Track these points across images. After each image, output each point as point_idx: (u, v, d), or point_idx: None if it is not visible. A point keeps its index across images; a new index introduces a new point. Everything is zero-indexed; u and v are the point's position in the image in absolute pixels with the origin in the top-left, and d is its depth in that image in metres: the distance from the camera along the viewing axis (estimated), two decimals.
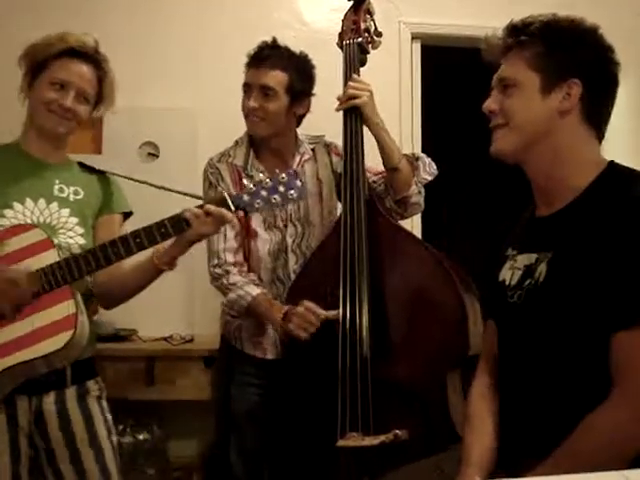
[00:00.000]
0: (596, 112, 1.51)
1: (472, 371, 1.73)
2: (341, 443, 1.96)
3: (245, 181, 2.25)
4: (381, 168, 2.32)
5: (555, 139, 1.49)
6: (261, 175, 1.83)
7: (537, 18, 1.52)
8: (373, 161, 2.35)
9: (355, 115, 2.22)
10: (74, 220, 1.95)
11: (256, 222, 2.34)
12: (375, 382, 2.02)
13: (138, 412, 2.23)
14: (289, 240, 2.35)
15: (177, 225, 1.78)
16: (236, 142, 2.43)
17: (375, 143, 2.26)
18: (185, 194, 2.21)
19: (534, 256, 1.50)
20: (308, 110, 2.41)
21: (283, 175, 1.77)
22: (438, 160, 2.40)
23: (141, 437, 2.98)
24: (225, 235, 2.28)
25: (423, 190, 2.35)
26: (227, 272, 2.28)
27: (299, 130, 2.46)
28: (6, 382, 1.77)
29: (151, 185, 2.04)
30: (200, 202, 1.84)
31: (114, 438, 1.98)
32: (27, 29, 3.13)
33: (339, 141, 2.32)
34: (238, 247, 2.31)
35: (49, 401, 1.88)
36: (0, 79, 2.36)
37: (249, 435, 2.35)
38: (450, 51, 3.74)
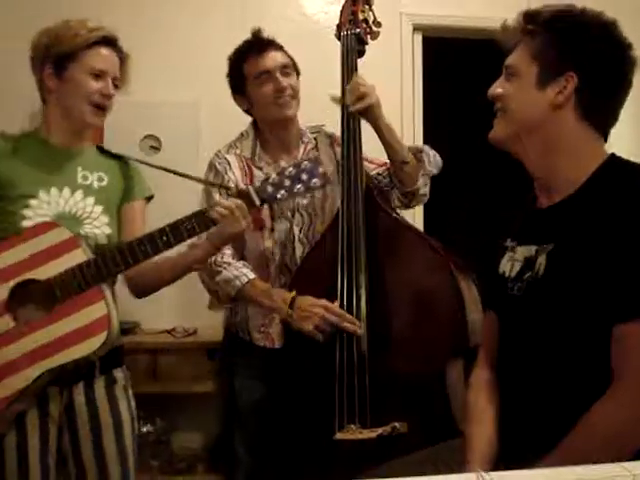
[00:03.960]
0: (595, 109, 1.48)
1: (473, 364, 1.73)
2: (339, 436, 1.96)
3: (269, 171, 2.26)
4: (384, 159, 2.32)
5: (546, 132, 1.48)
6: (282, 163, 1.78)
7: (550, 8, 1.51)
8: (374, 152, 2.34)
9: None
10: (99, 209, 1.95)
11: (264, 212, 2.33)
12: (373, 374, 2.01)
13: (141, 405, 2.26)
14: (296, 229, 2.34)
15: (203, 222, 1.79)
16: (241, 134, 2.44)
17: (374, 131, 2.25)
18: (212, 184, 2.25)
19: (534, 248, 1.50)
20: None
21: (305, 162, 1.74)
22: (440, 151, 2.40)
23: (145, 429, 3.00)
24: None
25: (429, 181, 2.35)
26: (221, 253, 2.24)
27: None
28: (40, 383, 1.78)
29: (172, 172, 2.03)
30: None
31: (136, 424, 2.01)
32: (29, 18, 3.17)
33: (337, 131, 2.31)
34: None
35: (79, 392, 1.90)
36: None
37: (254, 427, 2.34)
38: (452, 43, 3.74)
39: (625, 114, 1.52)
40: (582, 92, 1.46)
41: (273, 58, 2.33)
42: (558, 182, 1.50)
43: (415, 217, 3.41)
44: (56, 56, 1.91)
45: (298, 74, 2.39)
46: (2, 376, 1.74)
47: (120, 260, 1.78)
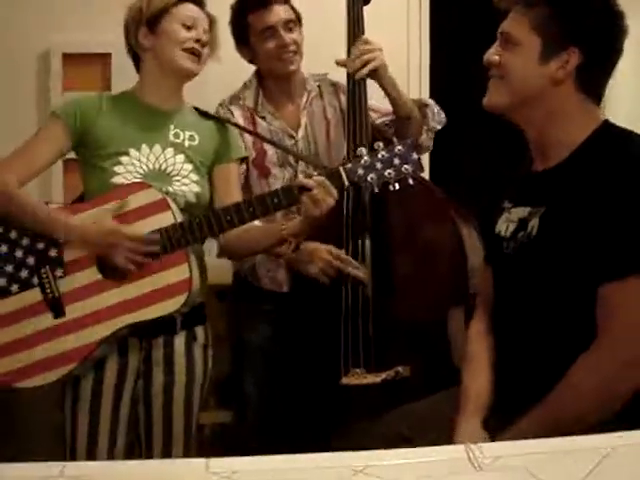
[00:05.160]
0: (593, 81, 1.50)
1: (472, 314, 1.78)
2: (345, 381, 2.02)
3: (272, 121, 2.30)
4: (389, 108, 2.32)
5: (546, 104, 1.50)
6: (380, 144, 1.74)
7: None
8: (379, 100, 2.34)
9: None
10: (189, 167, 1.98)
11: (270, 159, 2.37)
12: (377, 319, 2.07)
13: None
14: (301, 177, 2.35)
15: (289, 196, 1.82)
16: (245, 84, 2.45)
17: None
18: (306, 160, 2.28)
19: (527, 210, 1.54)
20: None
21: (399, 147, 1.71)
22: (446, 93, 2.40)
23: None
24: None
25: (433, 135, 2.37)
26: None
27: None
28: (120, 335, 1.86)
29: (271, 144, 2.06)
30: None
31: (207, 381, 2.06)
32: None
33: (343, 79, 2.30)
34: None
35: (158, 345, 1.95)
36: None
37: (262, 369, 2.40)
38: None
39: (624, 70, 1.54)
40: (583, 66, 1.46)
41: (277, 13, 2.31)
42: (553, 147, 1.53)
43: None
44: (150, 15, 1.96)
45: (301, 25, 2.38)
46: (85, 325, 1.82)
47: (206, 227, 1.83)
